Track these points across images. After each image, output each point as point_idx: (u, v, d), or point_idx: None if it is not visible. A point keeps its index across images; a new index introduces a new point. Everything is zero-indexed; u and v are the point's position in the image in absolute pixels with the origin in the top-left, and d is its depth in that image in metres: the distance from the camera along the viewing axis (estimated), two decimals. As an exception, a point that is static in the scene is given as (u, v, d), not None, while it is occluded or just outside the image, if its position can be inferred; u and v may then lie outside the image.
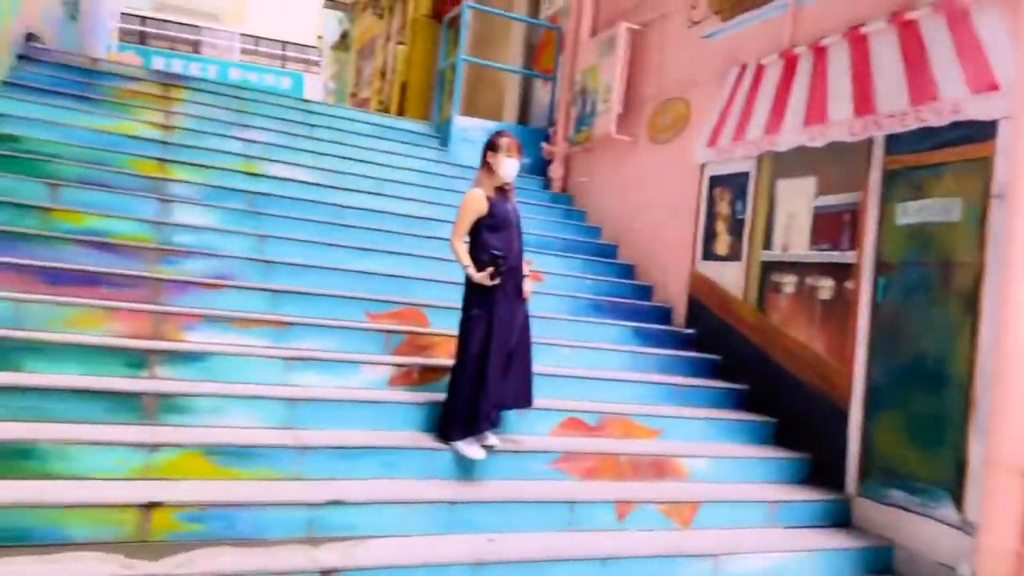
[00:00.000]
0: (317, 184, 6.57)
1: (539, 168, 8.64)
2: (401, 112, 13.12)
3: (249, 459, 3.63)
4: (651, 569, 3.79)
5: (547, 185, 8.53)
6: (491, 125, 8.69)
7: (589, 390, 5.07)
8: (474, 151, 8.32)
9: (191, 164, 6.05)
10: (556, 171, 8.43)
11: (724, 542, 4.11)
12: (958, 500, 4.11)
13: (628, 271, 7.16)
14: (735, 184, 6.01)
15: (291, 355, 4.37)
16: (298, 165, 6.74)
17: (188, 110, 7.13)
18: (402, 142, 8.32)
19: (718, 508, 4.35)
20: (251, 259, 5.13)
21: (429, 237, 6.27)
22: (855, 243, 4.91)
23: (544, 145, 8.63)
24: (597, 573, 3.68)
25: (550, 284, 6.29)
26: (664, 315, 6.54)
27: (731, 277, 5.92)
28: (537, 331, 4.53)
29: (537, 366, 4.39)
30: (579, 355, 5.50)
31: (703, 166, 6.38)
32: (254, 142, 6.91)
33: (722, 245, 6.07)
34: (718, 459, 4.75)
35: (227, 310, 4.61)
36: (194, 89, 7.63)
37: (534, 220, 7.51)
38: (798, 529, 4.50)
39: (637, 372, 5.58)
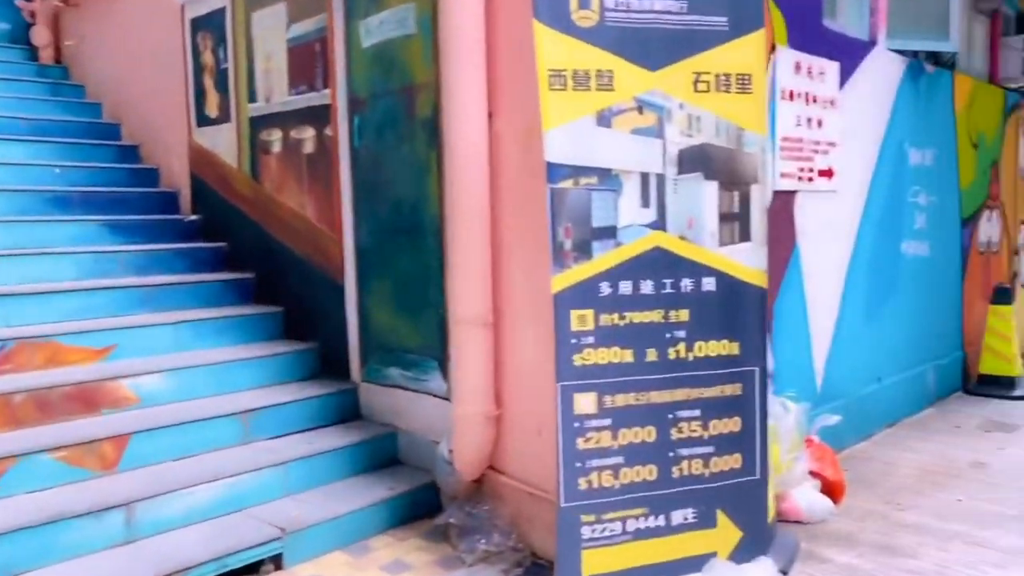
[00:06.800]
0: None
1: (22, 35, 6.65)
2: None
3: None
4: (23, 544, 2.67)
5: (34, 56, 6.59)
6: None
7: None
8: None
9: None
10: (40, 36, 6.50)
11: (160, 480, 3.10)
12: (444, 368, 3.50)
13: (132, 153, 5.67)
14: (215, 25, 4.76)
15: None
16: None
17: None
18: None
19: (166, 436, 3.32)
20: None
21: None
22: (328, 79, 3.98)
23: (19, 1, 6.60)
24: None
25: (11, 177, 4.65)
26: (169, 202, 5.24)
27: (224, 143, 4.76)
28: None
29: None
30: (14, 265, 4.04)
31: (183, 6, 5.02)
32: None
33: (212, 105, 4.85)
34: (186, 371, 3.69)
35: None
36: None
37: (11, 99, 5.70)
38: (285, 438, 3.65)
39: (103, 278, 4.25)
